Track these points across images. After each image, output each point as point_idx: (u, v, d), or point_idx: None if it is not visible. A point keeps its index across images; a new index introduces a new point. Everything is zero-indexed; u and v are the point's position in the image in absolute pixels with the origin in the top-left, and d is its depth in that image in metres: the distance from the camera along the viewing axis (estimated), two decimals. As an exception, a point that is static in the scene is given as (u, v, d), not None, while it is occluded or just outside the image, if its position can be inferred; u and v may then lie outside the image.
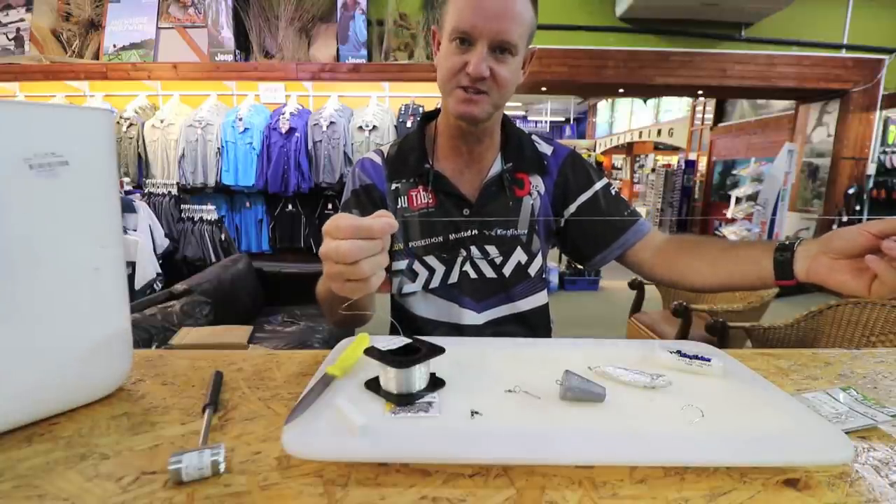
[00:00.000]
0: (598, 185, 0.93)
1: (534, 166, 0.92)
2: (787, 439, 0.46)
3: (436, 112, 0.94)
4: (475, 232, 0.89)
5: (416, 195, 0.90)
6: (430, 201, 0.89)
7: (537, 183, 0.92)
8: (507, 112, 0.92)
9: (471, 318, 0.91)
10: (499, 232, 0.89)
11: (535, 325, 0.95)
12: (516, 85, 0.81)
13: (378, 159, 0.95)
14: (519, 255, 0.91)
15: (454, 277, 0.91)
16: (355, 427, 0.46)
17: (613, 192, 0.94)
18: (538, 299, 0.95)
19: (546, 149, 0.95)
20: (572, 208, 0.92)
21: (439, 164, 0.91)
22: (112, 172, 0.57)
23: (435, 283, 0.91)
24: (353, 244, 0.49)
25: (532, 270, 0.92)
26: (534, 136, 0.97)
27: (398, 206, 0.91)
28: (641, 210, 8.57)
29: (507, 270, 0.91)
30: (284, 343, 2.21)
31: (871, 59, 4.86)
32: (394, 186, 0.92)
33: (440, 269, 0.90)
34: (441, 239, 0.89)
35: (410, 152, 0.92)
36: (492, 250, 0.90)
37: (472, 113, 0.79)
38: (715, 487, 0.42)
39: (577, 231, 0.93)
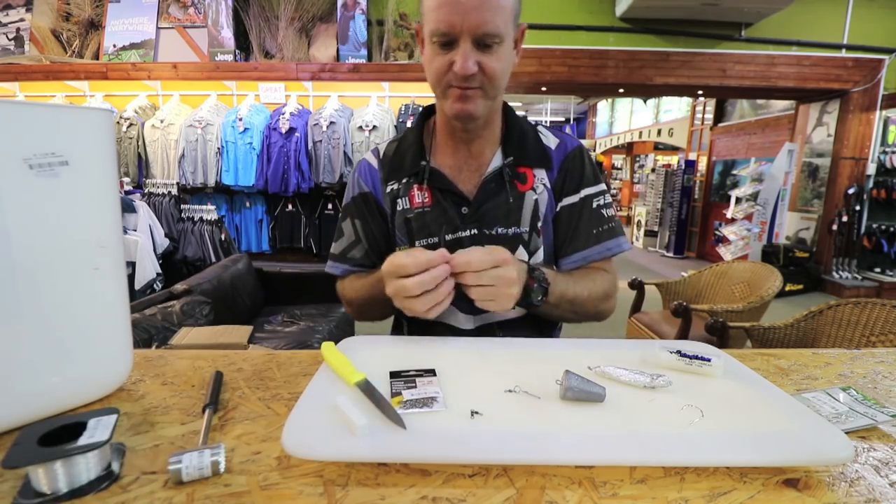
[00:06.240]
0: (587, 192, 0.88)
1: (536, 159, 0.87)
2: (787, 439, 0.46)
3: (435, 107, 0.90)
4: (475, 231, 0.85)
5: (415, 194, 0.87)
6: (427, 200, 0.86)
7: (542, 177, 0.87)
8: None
9: (464, 321, 0.88)
10: (499, 230, 0.84)
11: (538, 325, 0.91)
12: (510, 70, 0.79)
13: (374, 161, 0.92)
14: (521, 255, 0.86)
15: None
16: (355, 427, 0.46)
17: (597, 204, 0.88)
18: None
19: (551, 141, 0.90)
20: (558, 208, 0.89)
21: (437, 161, 0.88)
22: (112, 172, 0.58)
23: None
24: (416, 281, 0.64)
25: None
26: (540, 128, 0.92)
27: (398, 208, 0.88)
28: (641, 210, 8.56)
29: None
30: (284, 343, 2.21)
31: (871, 59, 4.87)
32: (389, 188, 0.89)
33: None
34: (437, 240, 0.85)
35: (408, 150, 0.89)
36: None
37: (468, 110, 0.77)
38: (715, 487, 0.42)
39: (556, 232, 0.90)
